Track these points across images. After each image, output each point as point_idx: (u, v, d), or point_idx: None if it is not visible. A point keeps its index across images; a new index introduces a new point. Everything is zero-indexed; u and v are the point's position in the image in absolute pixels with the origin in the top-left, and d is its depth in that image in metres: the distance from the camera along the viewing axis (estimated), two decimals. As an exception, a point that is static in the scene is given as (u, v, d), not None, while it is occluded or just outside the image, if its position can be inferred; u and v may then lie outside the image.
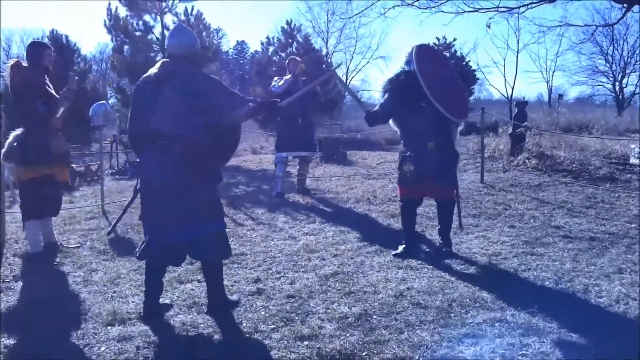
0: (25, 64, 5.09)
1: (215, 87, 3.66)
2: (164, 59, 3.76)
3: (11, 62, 5.11)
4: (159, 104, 3.54)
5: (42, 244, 5.26)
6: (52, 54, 5.25)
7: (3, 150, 5.13)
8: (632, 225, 6.07)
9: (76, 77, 5.14)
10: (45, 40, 22.03)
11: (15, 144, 5.06)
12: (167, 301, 3.93)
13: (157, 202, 3.60)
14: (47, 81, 5.16)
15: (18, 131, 5.11)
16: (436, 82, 4.84)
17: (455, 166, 5.21)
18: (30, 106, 5.00)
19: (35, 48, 5.22)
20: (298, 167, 8.59)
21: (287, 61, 8.31)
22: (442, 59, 5.50)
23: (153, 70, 3.67)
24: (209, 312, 3.75)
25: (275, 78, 8.03)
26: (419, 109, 4.80)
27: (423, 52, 5.03)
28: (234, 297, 4.00)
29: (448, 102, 4.83)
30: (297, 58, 8.46)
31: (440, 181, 4.98)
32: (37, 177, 5.08)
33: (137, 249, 3.81)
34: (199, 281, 4.38)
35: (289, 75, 7.81)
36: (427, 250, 5.24)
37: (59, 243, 5.47)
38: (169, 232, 3.58)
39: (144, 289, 3.85)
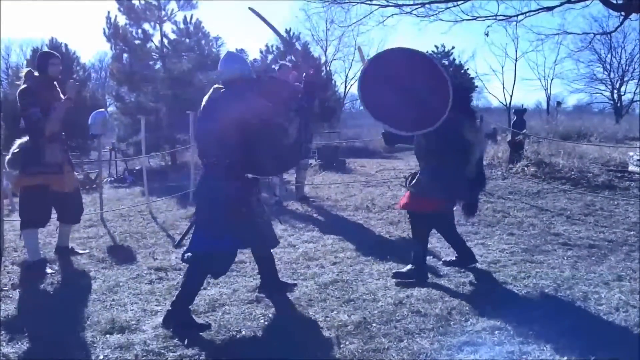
0: (36, 73, 5.15)
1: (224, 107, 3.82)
2: (216, 85, 4.05)
3: (24, 70, 5.23)
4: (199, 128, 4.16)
5: (41, 252, 5.24)
6: (57, 63, 5.25)
7: (7, 157, 5.20)
8: (631, 233, 6.07)
9: (77, 83, 5.16)
10: (45, 48, 22.15)
11: (17, 150, 5.12)
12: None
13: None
14: (55, 90, 5.18)
15: (23, 139, 5.16)
16: (388, 95, 4.37)
17: (428, 180, 4.59)
18: (26, 114, 5.01)
19: (40, 57, 5.28)
20: (295, 174, 8.60)
21: (277, 68, 8.31)
22: (410, 63, 4.54)
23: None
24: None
25: None
26: None
27: (380, 63, 4.57)
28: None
29: (401, 114, 4.34)
30: (287, 64, 8.46)
31: (411, 189, 4.72)
32: (33, 186, 5.05)
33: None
34: (198, 289, 4.36)
35: None
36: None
37: (70, 247, 5.57)
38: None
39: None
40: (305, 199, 8.20)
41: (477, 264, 4.88)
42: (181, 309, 3.67)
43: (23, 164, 5.09)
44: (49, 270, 4.98)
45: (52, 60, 5.19)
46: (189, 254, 3.80)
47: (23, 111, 5.03)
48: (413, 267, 4.56)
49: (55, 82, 5.22)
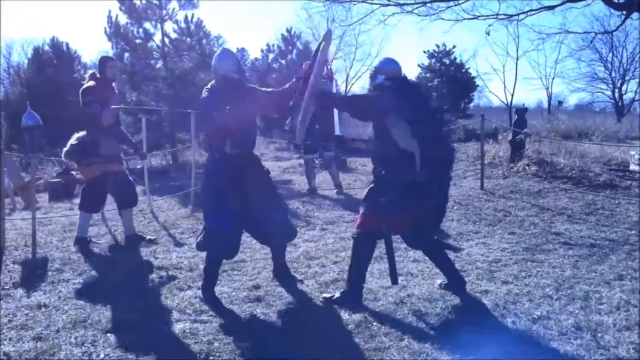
0: (98, 74, 5.72)
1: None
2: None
3: (90, 71, 5.89)
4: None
5: (88, 233, 5.88)
6: (114, 66, 5.87)
7: (65, 150, 5.77)
8: (632, 232, 6.06)
9: (126, 82, 5.74)
10: (47, 47, 22.18)
11: (76, 143, 5.68)
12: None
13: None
14: (112, 90, 5.72)
15: (81, 133, 5.75)
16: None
17: (377, 192, 4.11)
18: (86, 110, 5.55)
19: (100, 61, 5.84)
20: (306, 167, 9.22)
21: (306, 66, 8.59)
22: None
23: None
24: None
25: None
26: None
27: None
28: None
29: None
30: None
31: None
32: (93, 176, 5.63)
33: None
34: (198, 288, 4.37)
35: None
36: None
37: (140, 234, 6.07)
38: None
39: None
40: (339, 187, 8.84)
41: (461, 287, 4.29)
42: (207, 289, 4.22)
43: (82, 155, 5.66)
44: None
45: (109, 64, 5.78)
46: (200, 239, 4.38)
47: (84, 107, 5.57)
48: (347, 290, 4.10)
49: (112, 83, 5.79)
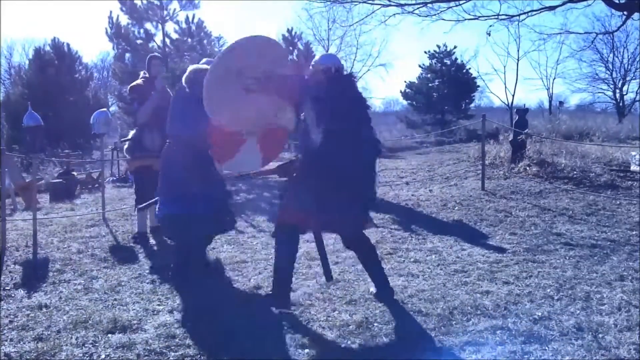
0: (147, 74, 6.00)
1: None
2: None
3: (141, 73, 6.17)
4: None
5: (148, 227, 6.14)
6: (157, 64, 6.05)
7: (124, 147, 6.17)
8: (633, 233, 6.06)
9: (163, 81, 6.09)
10: (47, 48, 22.19)
11: (129, 139, 5.98)
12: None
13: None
14: (156, 87, 5.84)
15: (135, 129, 6.00)
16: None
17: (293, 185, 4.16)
18: (130, 108, 5.92)
19: (147, 59, 6.10)
20: None
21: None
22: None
23: None
24: None
25: None
26: None
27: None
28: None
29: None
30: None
31: None
32: (142, 171, 5.85)
33: None
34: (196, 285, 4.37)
35: None
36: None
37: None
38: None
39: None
40: None
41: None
42: (181, 265, 4.61)
43: (133, 150, 5.93)
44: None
45: (152, 62, 6.01)
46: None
47: (128, 105, 6.01)
48: (272, 293, 4.01)
49: (155, 80, 5.90)
